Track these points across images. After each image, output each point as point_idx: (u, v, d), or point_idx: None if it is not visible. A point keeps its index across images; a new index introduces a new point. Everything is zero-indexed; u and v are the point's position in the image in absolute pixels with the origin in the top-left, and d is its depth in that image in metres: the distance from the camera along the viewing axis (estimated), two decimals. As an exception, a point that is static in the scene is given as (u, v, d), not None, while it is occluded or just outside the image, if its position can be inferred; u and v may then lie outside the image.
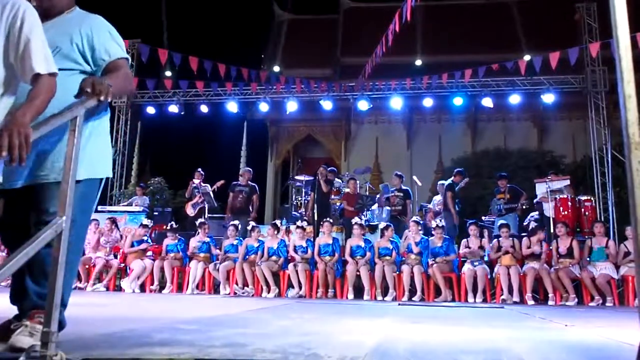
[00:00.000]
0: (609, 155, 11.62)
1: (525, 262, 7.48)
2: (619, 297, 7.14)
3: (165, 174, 15.51)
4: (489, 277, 7.46)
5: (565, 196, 8.61)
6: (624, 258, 7.17)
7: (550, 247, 7.57)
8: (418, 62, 17.53)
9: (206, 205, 10.15)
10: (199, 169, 10.38)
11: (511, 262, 7.42)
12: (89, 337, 2.28)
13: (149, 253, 8.46)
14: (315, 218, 8.61)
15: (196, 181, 10.24)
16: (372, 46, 10.90)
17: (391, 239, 7.91)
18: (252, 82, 12.76)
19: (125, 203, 11.44)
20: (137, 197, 11.16)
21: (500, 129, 18.03)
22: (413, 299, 7.31)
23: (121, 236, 9.01)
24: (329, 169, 9.84)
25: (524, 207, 9.12)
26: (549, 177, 8.80)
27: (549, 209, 8.35)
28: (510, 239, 7.68)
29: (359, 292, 7.57)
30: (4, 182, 1.98)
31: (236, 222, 8.64)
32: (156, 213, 11.21)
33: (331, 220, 8.42)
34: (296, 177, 11.76)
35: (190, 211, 10.31)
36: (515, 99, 12.27)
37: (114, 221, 8.93)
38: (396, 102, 12.66)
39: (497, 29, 17.92)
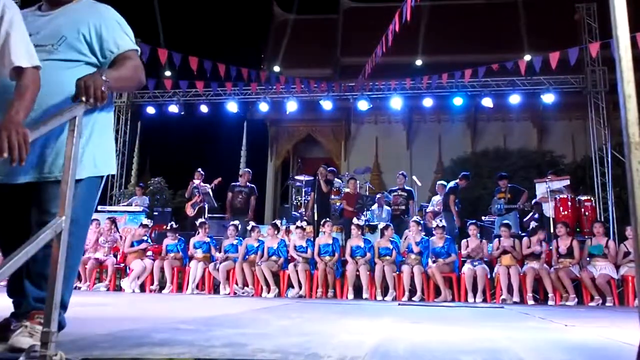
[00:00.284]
0: (609, 155, 11.63)
1: (525, 262, 7.48)
2: (619, 297, 7.13)
3: (165, 174, 15.55)
4: (489, 277, 7.46)
5: (565, 196, 8.60)
6: (623, 258, 7.16)
7: (551, 247, 7.57)
8: (418, 62, 17.54)
9: (206, 205, 10.16)
10: (199, 169, 10.39)
11: (511, 262, 7.42)
12: (89, 337, 2.28)
13: (149, 253, 8.46)
14: (315, 218, 8.62)
15: (196, 181, 10.25)
16: (372, 46, 10.90)
17: (391, 239, 7.91)
18: (252, 82, 12.76)
19: (125, 203, 11.44)
20: (137, 197, 11.16)
21: (500, 129, 18.05)
22: (413, 299, 7.31)
23: (120, 237, 9.01)
24: (329, 169, 9.85)
25: (525, 209, 9.13)
26: (548, 177, 8.80)
27: (549, 209, 8.35)
28: (511, 238, 7.68)
29: (359, 292, 7.57)
30: (4, 178, 1.97)
31: (236, 222, 8.66)
32: (156, 213, 11.21)
33: (330, 221, 8.43)
34: (296, 177, 11.77)
35: (190, 211, 10.32)
36: (515, 99, 12.27)
37: (113, 221, 8.93)
38: (396, 102, 12.66)
39: (497, 29, 17.93)
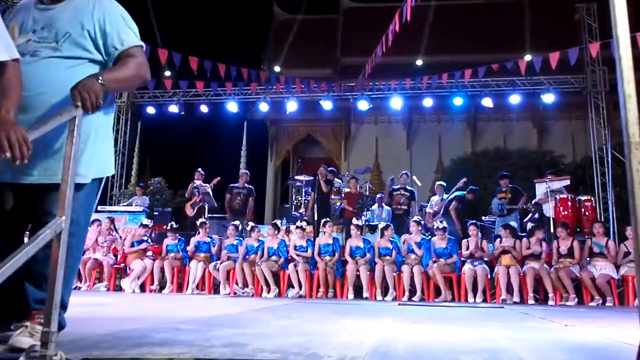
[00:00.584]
0: (609, 155, 11.62)
1: (525, 262, 7.48)
2: (619, 297, 7.13)
3: (165, 174, 15.56)
4: (489, 277, 7.46)
5: (565, 196, 8.60)
6: (624, 258, 7.16)
7: (551, 247, 7.57)
8: (418, 62, 17.53)
9: (206, 205, 10.16)
10: (200, 169, 10.40)
11: (511, 262, 7.42)
12: (89, 337, 2.28)
13: (149, 253, 8.46)
14: (315, 218, 8.63)
15: (197, 182, 10.27)
16: (372, 46, 10.90)
17: (391, 239, 7.91)
18: (252, 82, 12.76)
19: (125, 203, 11.45)
20: (137, 197, 11.17)
21: (500, 129, 18.04)
22: (413, 299, 7.31)
23: (120, 237, 9.02)
24: (329, 169, 9.86)
25: (528, 209, 9.12)
26: (548, 177, 8.79)
27: (549, 209, 8.35)
28: (512, 238, 7.68)
29: (359, 292, 7.57)
30: (8, 177, 1.96)
31: (237, 222, 8.67)
32: (156, 213, 11.22)
33: (330, 221, 8.43)
34: (296, 177, 11.78)
35: (189, 211, 10.33)
36: (515, 99, 12.27)
37: (112, 221, 8.95)
38: (396, 102, 12.66)
39: (497, 29, 17.92)
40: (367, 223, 9.11)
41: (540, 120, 17.81)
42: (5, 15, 2.12)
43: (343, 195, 10.15)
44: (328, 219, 8.42)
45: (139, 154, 21.14)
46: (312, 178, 10.37)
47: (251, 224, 8.52)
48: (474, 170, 13.84)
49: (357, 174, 11.63)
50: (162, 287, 8.24)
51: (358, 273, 7.59)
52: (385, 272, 7.46)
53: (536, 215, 9.11)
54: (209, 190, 10.23)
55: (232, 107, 13.17)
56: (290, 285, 7.73)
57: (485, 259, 7.71)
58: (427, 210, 10.12)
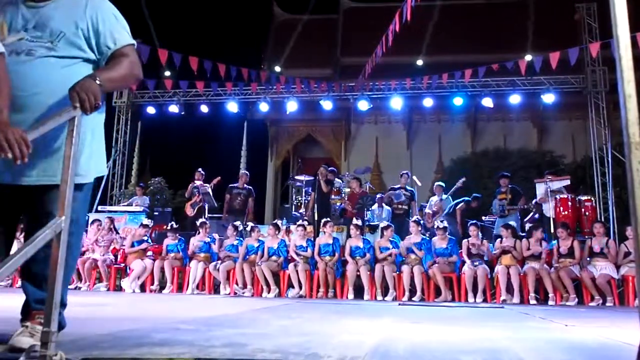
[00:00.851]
0: (609, 155, 11.62)
1: (525, 262, 7.48)
2: (619, 297, 7.13)
3: (165, 174, 15.56)
4: (489, 277, 7.46)
5: (565, 196, 8.60)
6: (624, 258, 7.16)
7: (551, 247, 7.57)
8: (418, 62, 17.53)
9: (206, 205, 10.17)
10: (200, 169, 10.41)
11: (511, 262, 7.42)
12: (89, 337, 2.28)
13: (149, 253, 8.46)
14: (316, 218, 8.63)
15: (197, 182, 10.27)
16: (372, 46, 10.90)
17: (391, 239, 7.91)
18: (252, 82, 12.77)
19: (125, 203, 11.45)
20: (137, 197, 11.17)
21: (500, 129, 18.03)
22: (413, 299, 7.31)
23: (120, 237, 9.01)
24: (329, 169, 9.86)
25: (529, 209, 9.13)
26: (548, 177, 8.79)
27: (549, 209, 8.35)
28: (513, 238, 7.67)
29: (359, 292, 7.57)
30: (8, 178, 1.96)
31: (237, 222, 8.67)
32: (156, 213, 11.22)
33: (330, 221, 8.43)
34: (296, 177, 11.79)
35: (189, 211, 10.34)
36: (515, 99, 12.27)
37: (112, 221, 8.96)
38: (396, 102, 12.66)
39: (497, 29, 17.91)
40: (367, 223, 9.12)
41: (540, 120, 17.80)
42: None
43: (346, 196, 10.16)
44: (328, 219, 8.42)
45: (139, 154, 21.12)
46: (312, 178, 10.38)
47: (251, 224, 8.52)
48: (474, 170, 13.84)
49: (358, 174, 11.63)
50: (162, 287, 8.24)
51: (358, 273, 7.59)
52: (385, 272, 7.46)
53: (536, 216, 9.11)
54: (209, 190, 10.23)
55: (232, 107, 13.17)
56: (290, 285, 7.73)
57: (486, 258, 7.71)
58: (427, 210, 10.12)
